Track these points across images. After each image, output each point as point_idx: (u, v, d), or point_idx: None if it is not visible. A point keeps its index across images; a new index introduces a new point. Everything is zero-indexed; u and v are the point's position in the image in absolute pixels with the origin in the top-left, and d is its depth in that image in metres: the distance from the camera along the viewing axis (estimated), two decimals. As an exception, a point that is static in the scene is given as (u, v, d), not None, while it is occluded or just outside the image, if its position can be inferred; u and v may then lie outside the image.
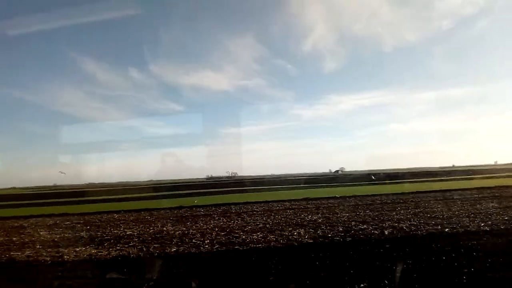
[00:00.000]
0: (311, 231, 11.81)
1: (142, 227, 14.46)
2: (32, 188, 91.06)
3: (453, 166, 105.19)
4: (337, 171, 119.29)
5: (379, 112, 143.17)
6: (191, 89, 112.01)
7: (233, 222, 14.59)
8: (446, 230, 11.07)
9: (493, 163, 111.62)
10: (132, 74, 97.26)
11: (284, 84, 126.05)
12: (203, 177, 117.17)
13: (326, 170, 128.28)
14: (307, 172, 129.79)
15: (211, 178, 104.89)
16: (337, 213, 16.05)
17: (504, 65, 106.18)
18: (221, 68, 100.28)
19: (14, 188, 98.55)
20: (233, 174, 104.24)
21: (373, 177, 53.79)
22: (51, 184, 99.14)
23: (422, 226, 11.92)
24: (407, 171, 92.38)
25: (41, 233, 14.14)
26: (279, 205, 20.88)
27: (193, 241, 11.18)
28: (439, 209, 16.00)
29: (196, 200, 25.58)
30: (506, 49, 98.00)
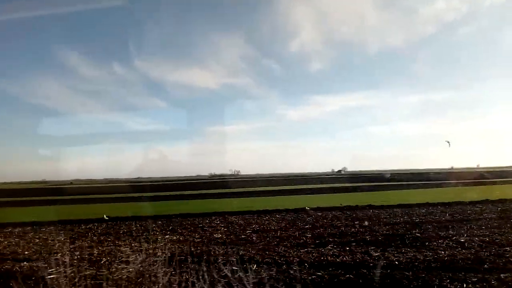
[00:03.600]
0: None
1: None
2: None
3: (452, 168, 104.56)
4: (339, 170, 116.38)
5: (363, 114, 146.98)
6: (177, 86, 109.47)
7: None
8: None
9: (475, 166, 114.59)
10: (116, 68, 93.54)
11: (270, 84, 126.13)
12: (204, 174, 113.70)
13: (327, 170, 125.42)
14: (309, 171, 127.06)
15: (214, 176, 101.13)
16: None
17: (485, 70, 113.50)
18: (208, 65, 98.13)
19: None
20: (235, 172, 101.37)
21: (388, 177, 50.40)
22: (39, 179, 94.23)
23: None
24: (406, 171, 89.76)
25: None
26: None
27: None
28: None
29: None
30: (487, 55, 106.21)
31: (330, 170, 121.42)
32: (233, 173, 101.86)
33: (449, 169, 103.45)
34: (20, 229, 14.47)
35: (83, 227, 14.74)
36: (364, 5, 76.74)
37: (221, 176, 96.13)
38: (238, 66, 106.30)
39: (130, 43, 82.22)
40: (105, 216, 16.64)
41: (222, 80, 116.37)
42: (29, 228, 14.73)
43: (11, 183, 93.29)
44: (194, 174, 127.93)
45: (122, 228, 14.11)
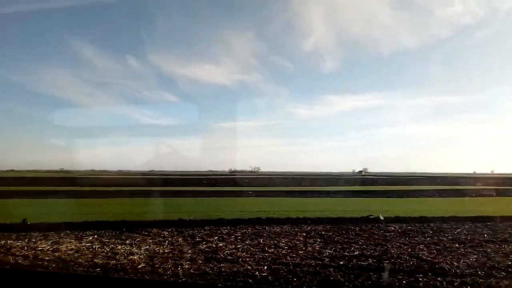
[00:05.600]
0: None
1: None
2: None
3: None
4: (360, 171, 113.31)
5: (373, 115, 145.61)
6: (188, 81, 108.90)
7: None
8: None
9: (489, 172, 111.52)
10: (129, 61, 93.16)
11: (282, 82, 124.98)
12: (216, 170, 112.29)
13: (346, 170, 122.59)
14: (326, 171, 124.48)
15: (234, 172, 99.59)
16: None
17: (499, 75, 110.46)
18: (219, 61, 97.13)
19: (13, 170, 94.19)
20: (255, 169, 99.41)
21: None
22: (56, 168, 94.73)
23: None
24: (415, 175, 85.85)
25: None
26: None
27: None
28: None
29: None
30: (502, 59, 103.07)
31: (351, 171, 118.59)
32: (253, 170, 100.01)
33: (471, 174, 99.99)
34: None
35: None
36: (379, 5, 73.71)
37: (242, 172, 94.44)
38: (250, 63, 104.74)
39: (144, 37, 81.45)
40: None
41: (233, 76, 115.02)
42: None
43: (28, 171, 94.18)
44: (205, 170, 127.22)
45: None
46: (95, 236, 10.42)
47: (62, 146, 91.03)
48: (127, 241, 9.79)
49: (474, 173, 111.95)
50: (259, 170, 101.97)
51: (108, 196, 25.74)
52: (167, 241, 9.90)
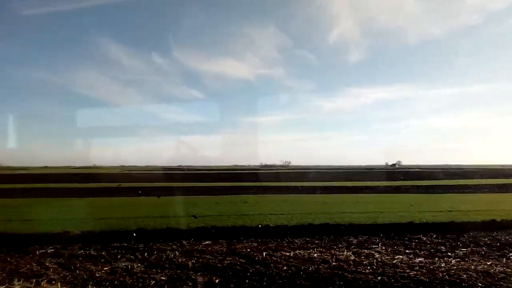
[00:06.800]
0: None
1: None
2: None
3: None
4: (394, 164, 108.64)
5: (399, 106, 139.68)
6: (212, 77, 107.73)
7: None
8: None
9: None
10: (155, 59, 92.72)
11: (305, 75, 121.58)
12: (242, 164, 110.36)
13: (376, 163, 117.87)
14: (358, 165, 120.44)
15: (265, 166, 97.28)
16: None
17: None
18: (243, 56, 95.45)
19: (47, 167, 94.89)
20: (286, 163, 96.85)
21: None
22: (91, 164, 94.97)
23: None
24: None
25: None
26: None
27: None
28: None
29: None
30: None
31: (384, 164, 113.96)
32: (283, 164, 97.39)
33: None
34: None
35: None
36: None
37: (272, 166, 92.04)
38: (273, 57, 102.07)
39: (168, 34, 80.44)
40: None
41: (257, 71, 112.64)
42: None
43: (60, 167, 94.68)
44: (230, 164, 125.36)
45: None
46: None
47: (91, 143, 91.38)
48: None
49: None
50: (290, 164, 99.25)
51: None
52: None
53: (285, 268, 6.79)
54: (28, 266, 6.79)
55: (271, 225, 10.69)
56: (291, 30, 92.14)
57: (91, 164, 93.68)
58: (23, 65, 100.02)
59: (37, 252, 7.80)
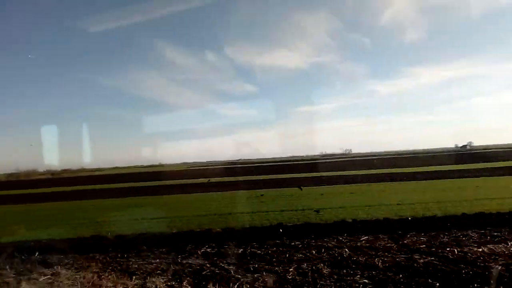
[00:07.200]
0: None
1: None
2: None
3: None
4: (464, 146, 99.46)
5: (462, 84, 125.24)
6: (265, 69, 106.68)
7: None
8: None
9: None
10: (208, 56, 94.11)
11: (359, 59, 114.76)
12: (299, 155, 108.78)
13: (448, 146, 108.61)
14: (424, 148, 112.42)
15: (326, 155, 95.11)
16: None
17: None
18: (294, 45, 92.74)
19: (117, 167, 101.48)
20: (347, 151, 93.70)
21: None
22: (155, 163, 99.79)
23: None
24: None
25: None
26: None
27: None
28: None
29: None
30: None
31: (454, 146, 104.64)
32: (344, 152, 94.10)
33: None
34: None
35: None
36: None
37: (333, 155, 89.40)
38: (325, 43, 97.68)
39: (219, 30, 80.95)
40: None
41: (309, 59, 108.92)
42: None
43: (130, 167, 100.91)
44: (289, 155, 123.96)
45: None
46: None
47: (154, 143, 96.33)
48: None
49: None
50: (351, 152, 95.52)
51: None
52: None
53: (498, 267, 5.59)
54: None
55: (427, 215, 9.51)
56: (342, 13, 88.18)
57: (156, 163, 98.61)
58: (85, 72, 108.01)
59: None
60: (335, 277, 5.58)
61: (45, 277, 6.15)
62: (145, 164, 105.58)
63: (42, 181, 51.81)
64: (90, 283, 5.70)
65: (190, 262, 6.71)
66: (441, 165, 37.24)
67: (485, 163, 35.01)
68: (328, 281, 5.44)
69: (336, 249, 7.02)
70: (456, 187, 16.12)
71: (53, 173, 73.29)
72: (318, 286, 5.24)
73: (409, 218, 9.44)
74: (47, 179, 59.68)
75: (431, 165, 38.70)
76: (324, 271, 5.85)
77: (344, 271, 5.82)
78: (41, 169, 74.57)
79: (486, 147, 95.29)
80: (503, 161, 37.29)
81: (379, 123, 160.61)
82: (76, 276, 6.14)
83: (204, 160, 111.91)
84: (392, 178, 24.05)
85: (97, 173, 73.60)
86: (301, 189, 11.91)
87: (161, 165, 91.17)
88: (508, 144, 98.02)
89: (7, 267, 6.83)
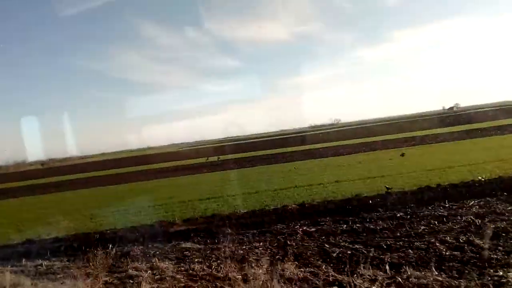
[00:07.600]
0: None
1: None
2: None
3: None
4: (451, 107, 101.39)
5: (453, 42, 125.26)
6: (248, 42, 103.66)
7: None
8: None
9: None
10: (188, 33, 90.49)
11: (343, 26, 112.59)
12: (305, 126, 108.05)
13: (437, 108, 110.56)
14: (414, 112, 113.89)
15: (315, 127, 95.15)
16: None
17: None
18: (277, 16, 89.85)
19: (104, 153, 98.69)
20: (336, 121, 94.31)
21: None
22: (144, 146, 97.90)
23: None
24: None
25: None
26: None
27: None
28: None
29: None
30: None
31: (441, 108, 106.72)
32: (333, 122, 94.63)
33: None
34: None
35: None
36: None
37: (322, 126, 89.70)
38: (308, 12, 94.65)
39: (200, 5, 77.37)
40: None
41: (293, 29, 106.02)
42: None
43: (118, 152, 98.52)
44: (277, 130, 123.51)
45: None
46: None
47: (140, 126, 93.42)
48: None
49: None
50: (340, 122, 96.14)
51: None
52: None
53: None
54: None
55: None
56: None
57: (144, 146, 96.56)
58: (65, 54, 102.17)
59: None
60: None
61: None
62: (133, 148, 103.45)
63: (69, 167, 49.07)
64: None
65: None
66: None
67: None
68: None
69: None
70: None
71: (43, 163, 70.79)
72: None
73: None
74: (72, 165, 55.66)
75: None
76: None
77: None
78: (28, 161, 71.68)
79: (473, 108, 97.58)
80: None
81: (366, 91, 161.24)
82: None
83: (192, 141, 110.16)
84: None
85: (87, 160, 71.42)
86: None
87: (149, 148, 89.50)
88: (495, 103, 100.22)
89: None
